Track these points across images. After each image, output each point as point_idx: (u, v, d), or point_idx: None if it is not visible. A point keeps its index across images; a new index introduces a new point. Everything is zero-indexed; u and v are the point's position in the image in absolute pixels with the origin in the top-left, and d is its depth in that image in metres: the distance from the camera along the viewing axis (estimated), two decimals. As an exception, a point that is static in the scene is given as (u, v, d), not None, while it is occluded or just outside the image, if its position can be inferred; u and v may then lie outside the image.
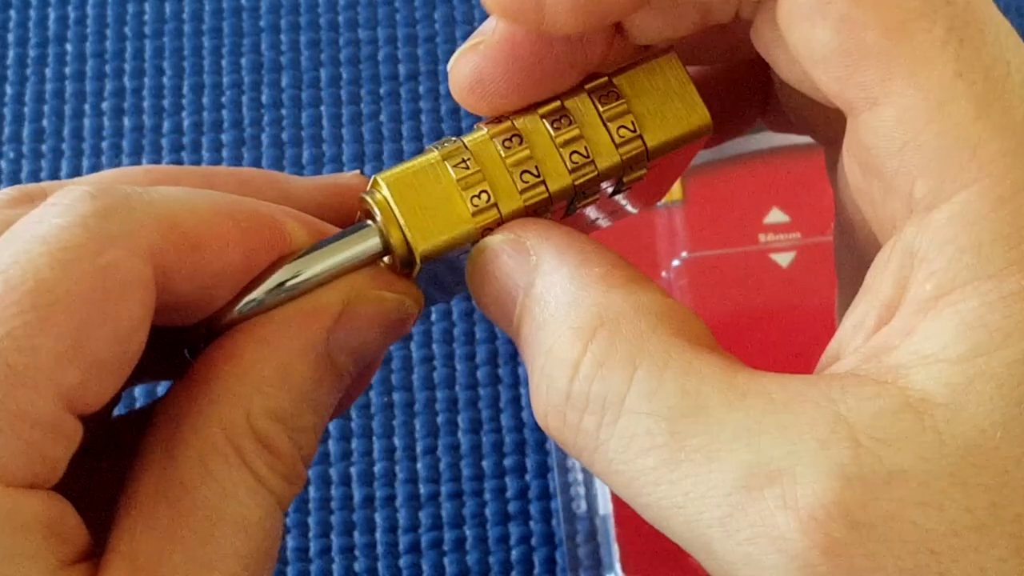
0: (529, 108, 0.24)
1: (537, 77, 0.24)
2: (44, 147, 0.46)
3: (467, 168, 0.24)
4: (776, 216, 0.40)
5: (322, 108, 0.46)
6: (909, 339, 0.19)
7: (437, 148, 0.24)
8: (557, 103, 0.24)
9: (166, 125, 0.46)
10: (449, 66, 0.24)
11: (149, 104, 0.46)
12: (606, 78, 0.24)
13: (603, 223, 0.29)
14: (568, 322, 0.22)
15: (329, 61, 0.47)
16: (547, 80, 0.24)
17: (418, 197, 0.24)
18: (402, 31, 0.47)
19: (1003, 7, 0.47)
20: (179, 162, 0.45)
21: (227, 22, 0.48)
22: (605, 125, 0.24)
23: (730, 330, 0.38)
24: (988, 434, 0.18)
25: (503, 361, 0.42)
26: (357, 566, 0.40)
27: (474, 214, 0.24)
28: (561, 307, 0.22)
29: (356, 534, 0.40)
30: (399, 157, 0.45)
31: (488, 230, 0.24)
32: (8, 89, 0.47)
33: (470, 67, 0.24)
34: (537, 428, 0.41)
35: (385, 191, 0.24)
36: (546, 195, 0.24)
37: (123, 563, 0.21)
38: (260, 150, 0.46)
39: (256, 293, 0.23)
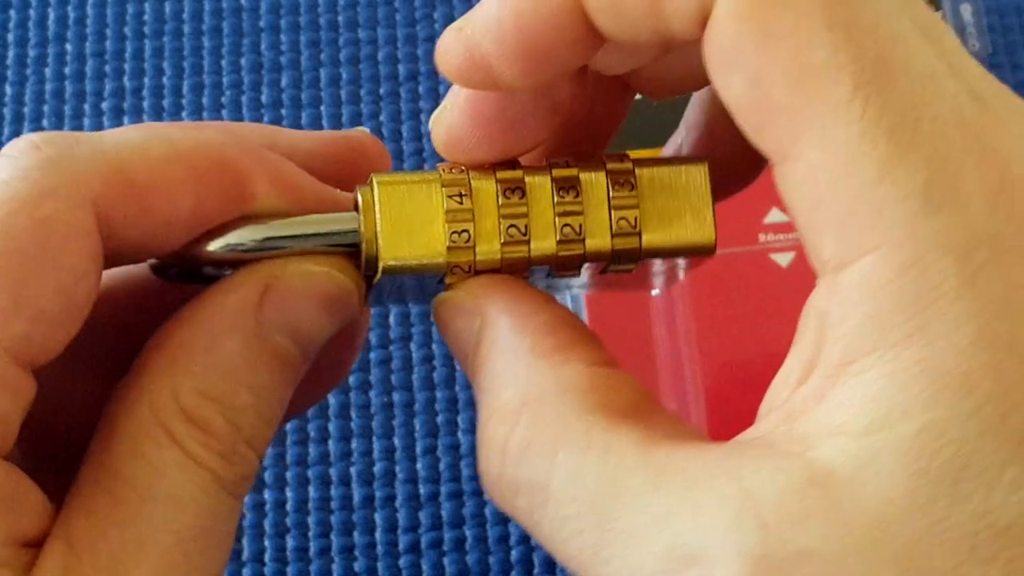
0: (546, 166, 0.24)
1: (507, 127, 0.24)
2: (44, 147, 0.46)
3: (460, 203, 0.23)
4: (776, 216, 0.40)
5: (322, 108, 0.46)
6: (820, 406, 0.19)
7: (443, 172, 0.24)
8: (574, 171, 0.24)
9: (166, 125, 0.46)
10: (429, 125, 0.25)
11: (149, 104, 0.46)
12: (631, 165, 0.24)
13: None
14: (497, 401, 0.22)
15: (329, 61, 0.47)
16: (518, 128, 0.24)
17: (403, 211, 0.23)
18: (402, 31, 0.47)
19: (1003, 7, 0.47)
20: (179, 162, 0.45)
21: (227, 22, 0.48)
22: (610, 210, 0.24)
23: (730, 330, 0.38)
24: (892, 508, 0.18)
25: (503, 361, 0.42)
26: (357, 566, 0.40)
27: (449, 248, 0.23)
28: (493, 380, 0.23)
29: (356, 534, 0.40)
30: (399, 157, 0.45)
31: (457, 267, 0.24)
32: (8, 89, 0.47)
33: (443, 127, 0.24)
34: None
35: (376, 193, 0.24)
36: (525, 256, 0.24)
37: (60, 546, 0.21)
38: (260, 150, 0.46)
39: (226, 239, 0.23)
